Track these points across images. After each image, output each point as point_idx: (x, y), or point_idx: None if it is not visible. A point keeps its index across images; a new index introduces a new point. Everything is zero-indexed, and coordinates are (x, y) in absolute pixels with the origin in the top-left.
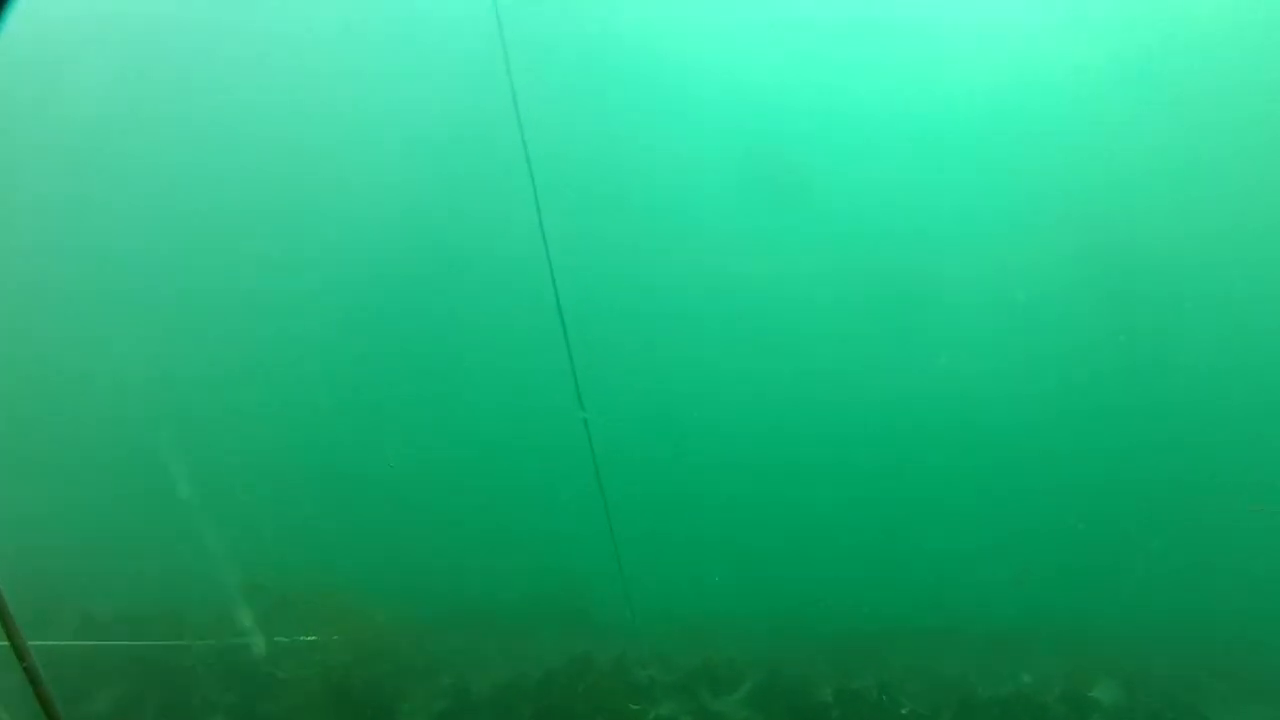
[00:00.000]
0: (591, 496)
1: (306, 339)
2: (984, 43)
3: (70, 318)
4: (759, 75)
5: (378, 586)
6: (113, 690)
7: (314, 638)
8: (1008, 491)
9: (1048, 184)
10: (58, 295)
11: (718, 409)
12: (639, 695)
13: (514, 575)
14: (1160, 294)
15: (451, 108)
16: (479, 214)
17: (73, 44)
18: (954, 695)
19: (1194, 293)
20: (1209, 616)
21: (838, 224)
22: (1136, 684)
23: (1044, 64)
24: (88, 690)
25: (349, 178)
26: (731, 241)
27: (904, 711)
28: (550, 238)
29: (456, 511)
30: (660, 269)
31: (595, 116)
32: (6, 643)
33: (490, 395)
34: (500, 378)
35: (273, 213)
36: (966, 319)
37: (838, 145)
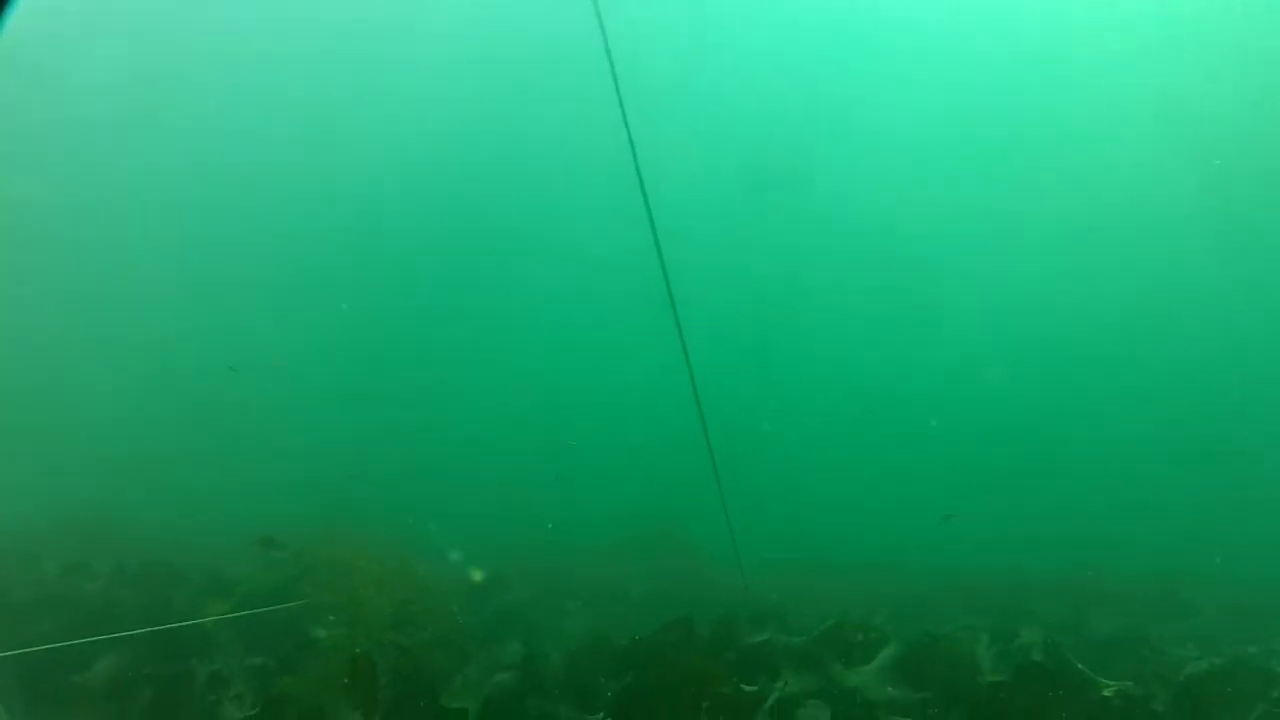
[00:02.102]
0: (689, 424)
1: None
2: None
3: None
4: None
5: (421, 537)
6: (126, 651)
7: (341, 598)
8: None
9: None
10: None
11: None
12: (752, 669)
13: (595, 519)
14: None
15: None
16: (562, 135)
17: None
18: (1149, 662)
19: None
20: None
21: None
22: None
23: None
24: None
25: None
26: (843, 187)
27: (1108, 693)
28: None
29: (521, 448)
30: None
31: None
32: None
33: (573, 317)
34: (587, 301)
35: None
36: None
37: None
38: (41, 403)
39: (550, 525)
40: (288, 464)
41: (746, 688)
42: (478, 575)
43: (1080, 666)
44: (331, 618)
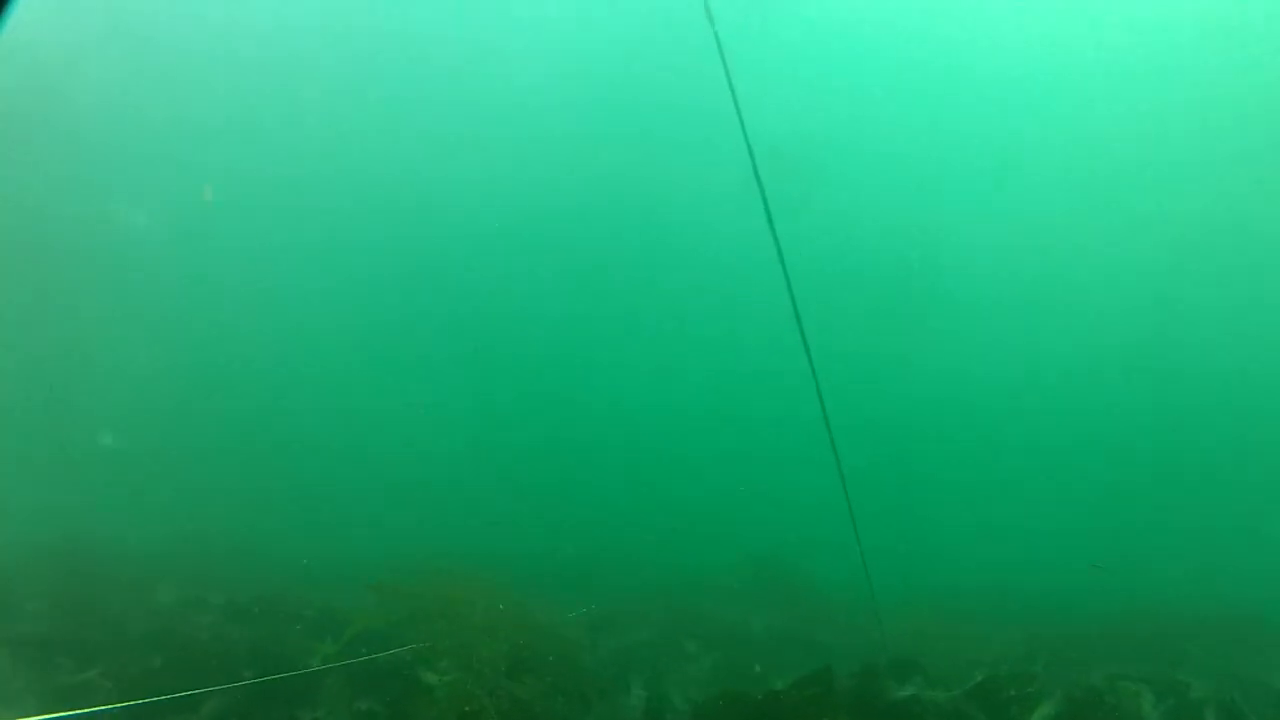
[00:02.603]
0: (818, 459)
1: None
2: None
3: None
4: None
5: (536, 576)
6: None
7: (453, 641)
8: None
9: None
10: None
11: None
12: None
13: (716, 557)
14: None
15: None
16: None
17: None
18: None
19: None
20: None
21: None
22: None
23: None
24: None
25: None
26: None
27: None
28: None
29: (637, 478)
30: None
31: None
32: None
33: (697, 349)
34: (715, 327)
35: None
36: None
37: None
38: (163, 427)
39: (667, 564)
40: (403, 502)
41: None
42: (594, 616)
43: None
44: (444, 663)
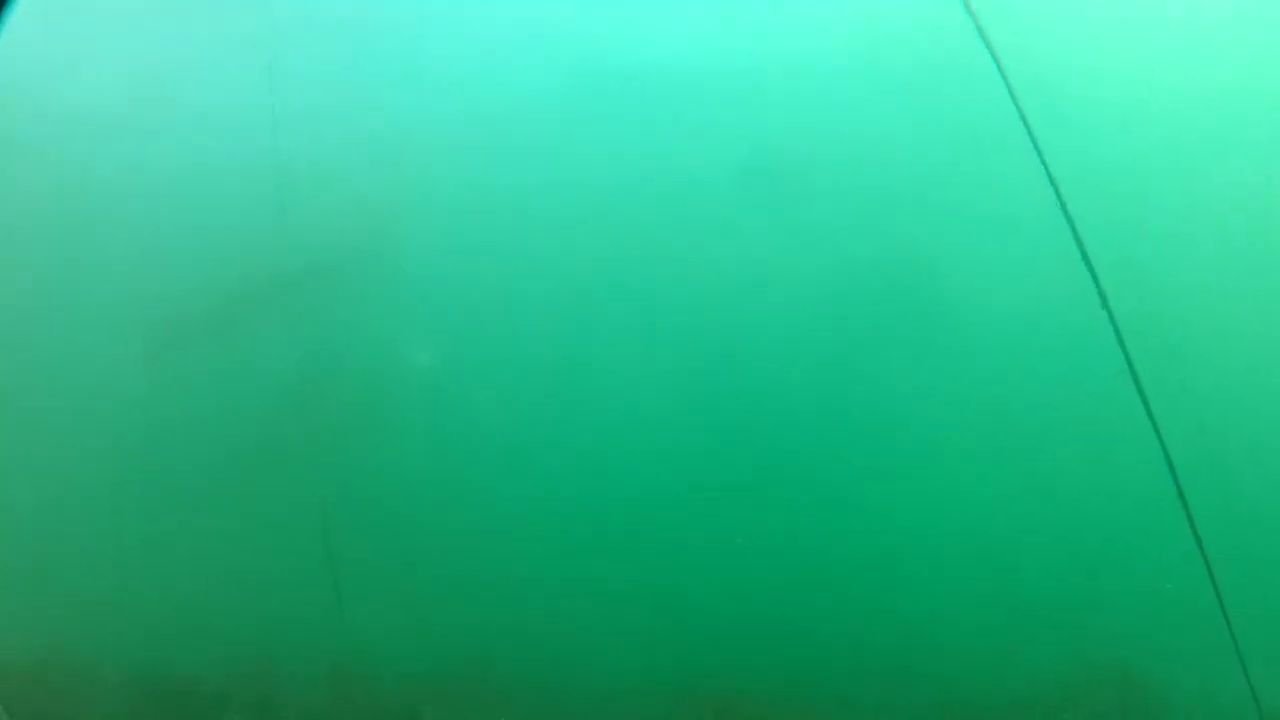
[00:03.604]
0: (1175, 537)
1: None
2: None
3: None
4: None
5: (775, 677)
6: None
7: None
8: None
9: None
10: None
11: None
12: None
13: (1017, 661)
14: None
15: None
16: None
17: None
18: None
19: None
20: None
21: None
22: None
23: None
24: None
25: None
26: None
27: None
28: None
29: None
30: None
31: None
32: None
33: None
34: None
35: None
36: None
37: None
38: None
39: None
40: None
41: None
42: None
43: None
44: None
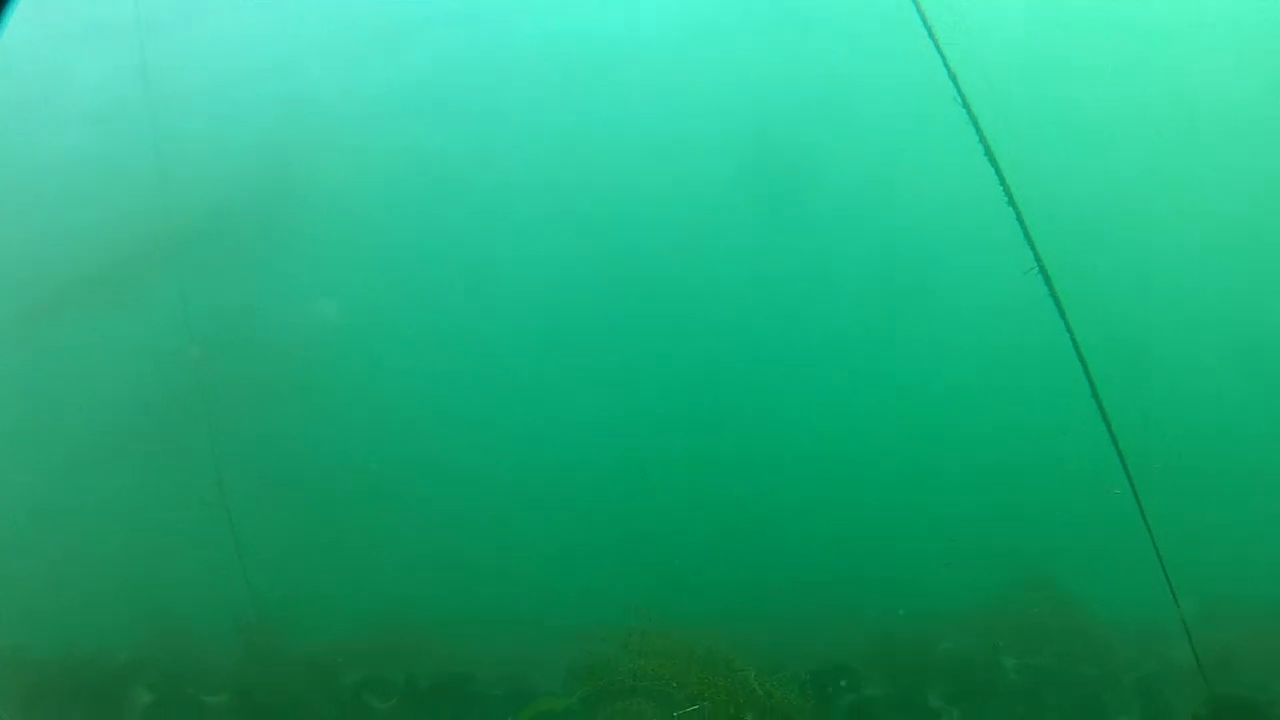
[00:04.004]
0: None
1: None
2: None
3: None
4: None
5: (747, 635)
6: None
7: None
8: None
9: None
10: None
11: None
12: None
13: (951, 574)
14: None
15: None
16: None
17: None
18: None
19: None
20: None
21: None
22: None
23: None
24: None
25: None
26: None
27: None
28: None
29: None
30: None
31: None
32: None
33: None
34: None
35: None
36: None
37: None
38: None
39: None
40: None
41: None
42: (817, 671)
43: None
44: None
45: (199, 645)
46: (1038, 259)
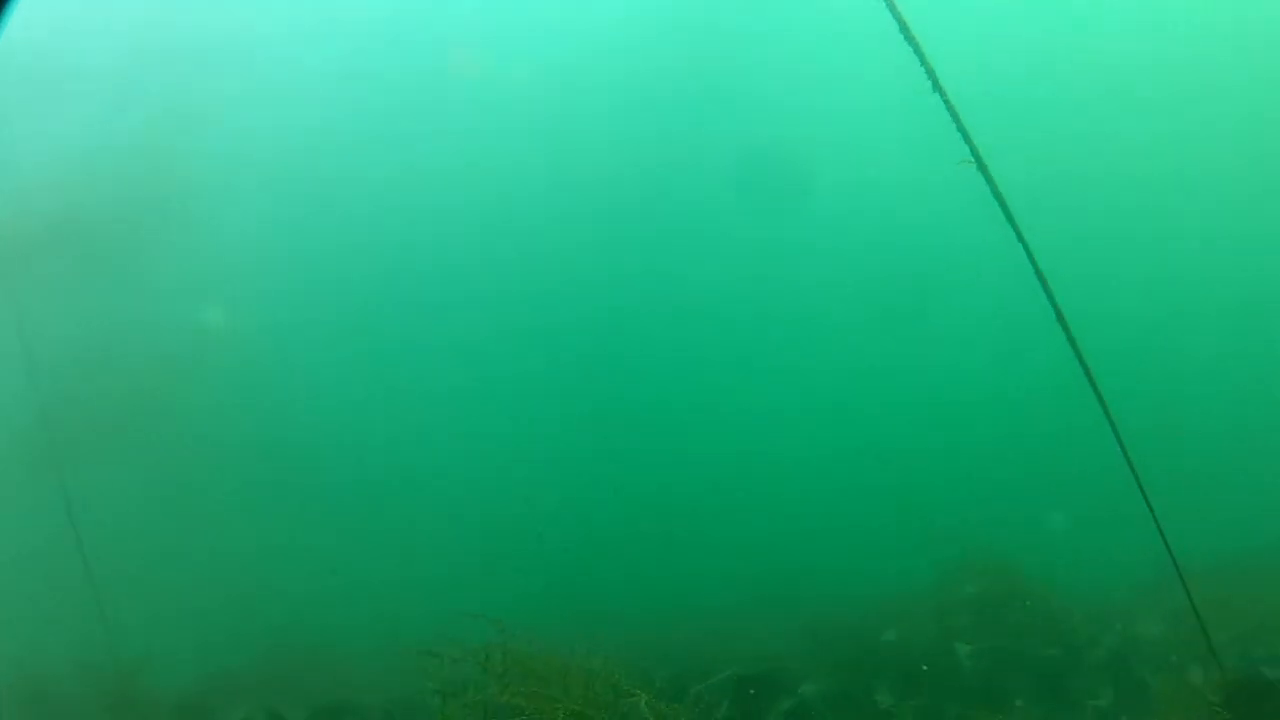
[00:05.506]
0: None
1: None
2: None
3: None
4: None
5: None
6: None
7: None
8: None
9: None
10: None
11: None
12: None
13: (893, 559)
14: None
15: None
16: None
17: None
18: None
19: None
20: None
21: None
22: None
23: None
24: None
25: None
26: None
27: None
28: None
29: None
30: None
31: None
32: None
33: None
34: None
35: None
36: None
37: None
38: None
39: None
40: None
41: None
42: (749, 676)
43: None
44: None
45: (61, 695)
46: (973, 152)
